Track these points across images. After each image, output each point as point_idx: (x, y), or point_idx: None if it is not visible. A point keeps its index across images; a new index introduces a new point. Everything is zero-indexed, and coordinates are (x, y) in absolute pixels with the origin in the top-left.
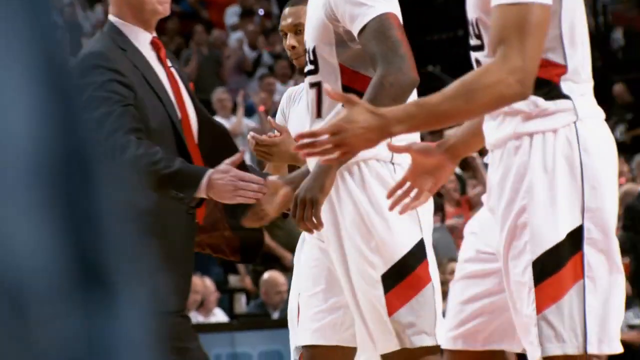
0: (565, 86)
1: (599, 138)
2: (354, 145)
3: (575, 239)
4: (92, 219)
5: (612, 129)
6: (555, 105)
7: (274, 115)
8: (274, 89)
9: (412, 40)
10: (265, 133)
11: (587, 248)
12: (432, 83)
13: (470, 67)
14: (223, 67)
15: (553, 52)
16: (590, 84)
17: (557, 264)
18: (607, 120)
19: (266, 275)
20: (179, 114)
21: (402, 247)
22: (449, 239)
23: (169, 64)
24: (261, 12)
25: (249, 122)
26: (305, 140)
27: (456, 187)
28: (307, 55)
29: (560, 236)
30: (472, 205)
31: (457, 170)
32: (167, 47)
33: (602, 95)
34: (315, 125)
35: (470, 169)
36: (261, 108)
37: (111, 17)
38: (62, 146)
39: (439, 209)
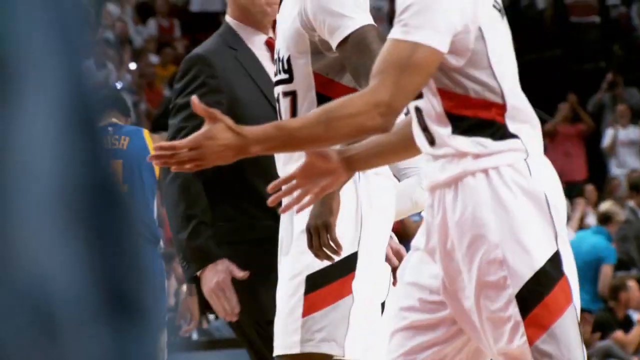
0: (511, 126)
1: (549, 172)
2: (210, 161)
3: (555, 264)
4: (119, 246)
5: None
6: (505, 144)
7: None
8: None
9: None
10: None
11: (566, 271)
12: None
13: (523, 80)
14: None
15: (490, 91)
16: (533, 123)
17: (541, 293)
18: None
19: None
20: None
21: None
22: None
23: None
24: None
25: None
26: (162, 152)
27: None
28: (280, 63)
29: (538, 264)
30: None
31: None
32: None
33: None
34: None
35: None
36: None
37: (227, 18)
38: (88, 178)
39: None
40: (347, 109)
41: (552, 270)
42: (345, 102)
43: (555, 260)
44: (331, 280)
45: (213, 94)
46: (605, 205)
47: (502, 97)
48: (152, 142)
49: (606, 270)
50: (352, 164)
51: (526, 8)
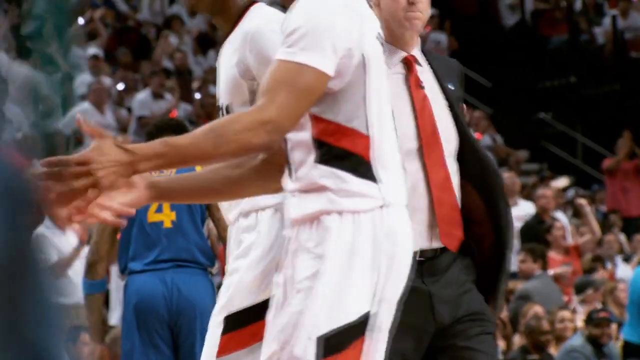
0: (375, 166)
1: (402, 229)
2: (102, 178)
3: (361, 323)
4: (38, 316)
5: None
6: (364, 185)
7: None
8: None
9: (523, 86)
10: None
11: (368, 334)
12: (544, 129)
13: (581, 114)
14: None
15: (359, 123)
16: (398, 171)
17: (342, 345)
18: None
19: None
20: (417, 134)
21: (251, 298)
22: (553, 287)
23: (426, 83)
24: None
25: None
26: (51, 168)
27: (564, 234)
28: (220, 112)
29: (350, 317)
30: (580, 253)
31: (564, 218)
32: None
33: None
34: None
35: (581, 216)
36: None
37: None
38: (9, 253)
39: (539, 257)
40: (234, 125)
41: (356, 327)
42: (232, 119)
43: (364, 320)
44: (249, 323)
45: None
46: None
47: (371, 132)
48: None
49: None
50: (156, 190)
51: (586, 43)
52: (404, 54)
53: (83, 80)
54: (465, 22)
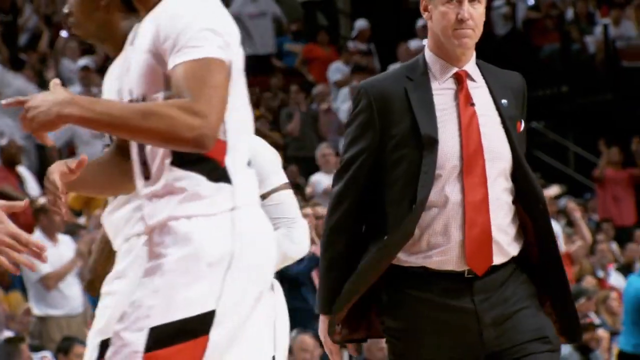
0: (229, 169)
1: (255, 228)
2: (39, 108)
3: (204, 323)
4: None
5: None
6: (217, 189)
7: None
8: None
9: None
10: None
11: (213, 333)
12: (536, 138)
13: (573, 123)
14: (322, 124)
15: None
16: (249, 172)
17: (175, 339)
18: None
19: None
20: (458, 147)
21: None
22: None
23: (478, 99)
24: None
25: None
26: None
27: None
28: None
29: (187, 313)
30: (573, 261)
31: (557, 226)
32: (270, 104)
33: None
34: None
35: (573, 224)
36: None
37: (425, 49)
38: None
39: None
40: (171, 111)
41: (196, 326)
42: (170, 104)
43: (205, 319)
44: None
45: (364, 130)
46: None
47: (228, 138)
48: None
49: None
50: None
51: (578, 52)
52: (455, 69)
53: (73, 91)
54: None
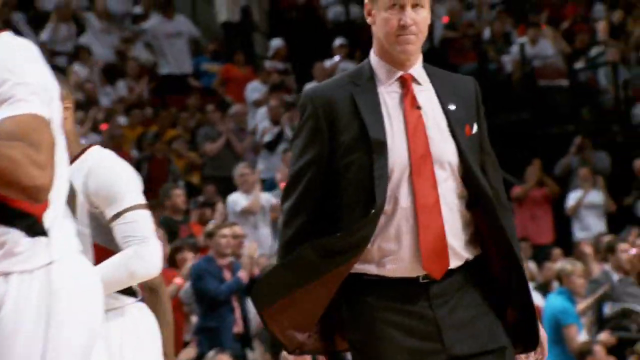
0: (46, 221)
1: (72, 281)
2: None
3: None
4: None
5: (633, 204)
6: (32, 243)
7: None
8: None
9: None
10: None
11: None
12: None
13: (492, 142)
14: (242, 144)
15: None
16: (67, 221)
17: None
18: (627, 195)
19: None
20: (406, 150)
21: None
22: None
23: (425, 103)
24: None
25: (271, 198)
26: None
27: None
28: None
29: None
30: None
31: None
32: (187, 124)
33: (623, 170)
34: None
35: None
36: (283, 184)
37: (371, 54)
38: None
39: None
40: (15, 153)
41: None
42: (15, 146)
43: None
44: None
45: (313, 135)
46: (559, 264)
47: (50, 195)
48: None
49: (568, 331)
50: None
51: (494, 72)
52: (400, 73)
53: None
54: None
